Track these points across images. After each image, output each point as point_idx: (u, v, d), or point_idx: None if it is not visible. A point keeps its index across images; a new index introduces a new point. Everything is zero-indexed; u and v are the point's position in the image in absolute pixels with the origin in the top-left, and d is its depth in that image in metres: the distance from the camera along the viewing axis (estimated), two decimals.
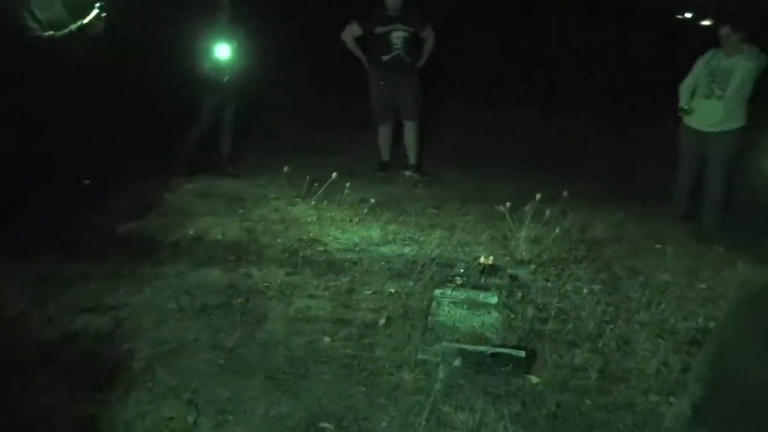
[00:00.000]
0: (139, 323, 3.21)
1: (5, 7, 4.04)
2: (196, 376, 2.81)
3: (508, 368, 2.85)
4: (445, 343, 3.00)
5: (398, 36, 5.99)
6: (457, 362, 2.77)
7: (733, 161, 5.17)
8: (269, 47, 6.11)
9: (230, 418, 2.58)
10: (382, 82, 6.09)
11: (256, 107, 6.54)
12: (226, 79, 5.57)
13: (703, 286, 4.09)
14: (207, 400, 2.67)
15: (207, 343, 3.09)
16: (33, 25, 4.12)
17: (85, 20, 4.22)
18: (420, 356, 3.06)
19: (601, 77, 10.57)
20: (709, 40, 5.22)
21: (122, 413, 2.55)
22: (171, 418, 2.54)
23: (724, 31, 5.05)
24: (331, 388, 2.81)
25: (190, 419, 2.55)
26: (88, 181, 4.74)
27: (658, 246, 4.76)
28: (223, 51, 5.50)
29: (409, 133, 6.31)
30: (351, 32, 6.13)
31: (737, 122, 5.05)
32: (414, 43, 6.09)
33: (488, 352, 2.85)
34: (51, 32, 4.16)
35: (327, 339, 3.20)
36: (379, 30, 5.98)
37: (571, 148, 7.61)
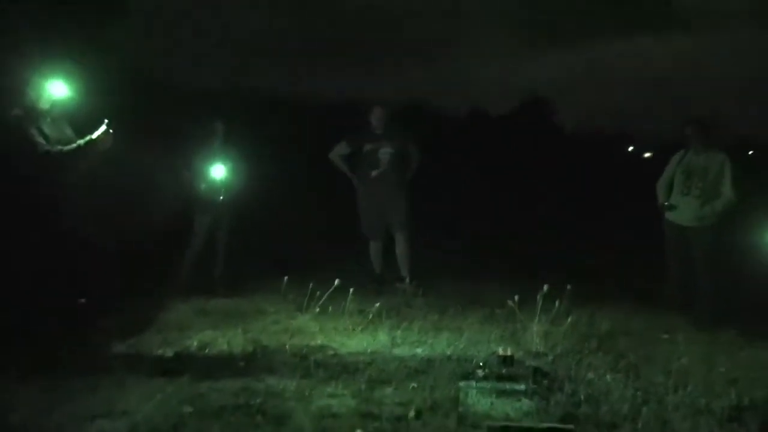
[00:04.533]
0: (155, 427, 2.98)
1: (18, 124, 4.12)
2: None
3: None
4: (488, 423, 2.86)
5: (385, 152, 6.19)
6: None
7: (717, 254, 5.33)
8: (260, 167, 6.24)
9: None
10: (371, 197, 6.21)
11: (247, 224, 6.55)
12: (221, 198, 5.64)
13: (723, 369, 4.07)
14: None
15: None
16: (40, 140, 4.19)
17: (94, 135, 4.31)
18: None
19: (572, 193, 11.10)
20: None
21: None
22: None
23: (688, 130, 5.43)
24: None
25: None
26: (83, 300, 4.59)
27: (666, 336, 4.77)
28: (218, 171, 5.61)
29: (401, 244, 6.32)
30: (339, 151, 6.33)
31: (715, 216, 5.28)
32: (400, 158, 6.29)
33: (538, 427, 2.72)
34: (60, 147, 4.22)
35: None
36: (367, 147, 6.20)
37: (553, 247, 7.81)
